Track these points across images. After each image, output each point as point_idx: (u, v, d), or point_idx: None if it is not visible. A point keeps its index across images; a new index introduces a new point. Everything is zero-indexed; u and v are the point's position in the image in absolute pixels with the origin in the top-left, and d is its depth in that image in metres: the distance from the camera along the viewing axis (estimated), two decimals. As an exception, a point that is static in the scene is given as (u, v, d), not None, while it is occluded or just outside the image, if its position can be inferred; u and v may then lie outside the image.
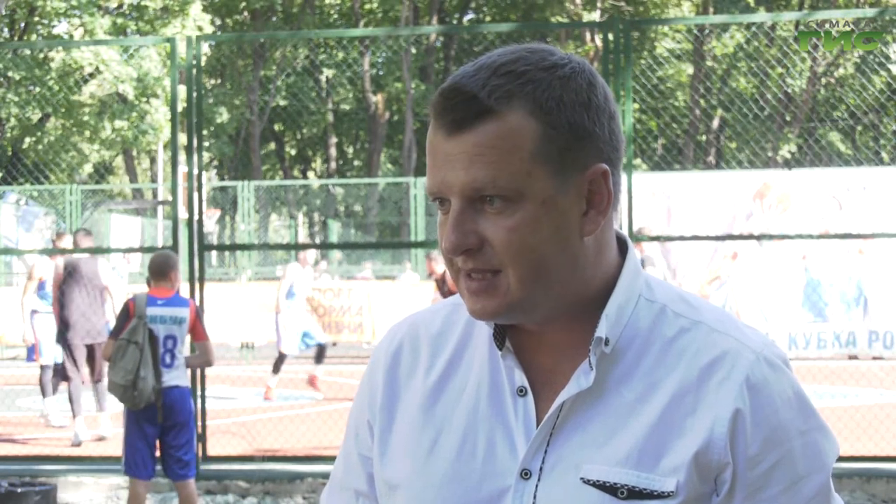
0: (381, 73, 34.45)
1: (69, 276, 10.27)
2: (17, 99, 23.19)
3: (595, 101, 1.31)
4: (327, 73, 33.71)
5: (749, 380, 1.29)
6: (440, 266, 13.52)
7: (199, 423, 8.09)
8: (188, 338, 6.93)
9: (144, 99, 23.93)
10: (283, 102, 34.35)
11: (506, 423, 1.35)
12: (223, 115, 29.35)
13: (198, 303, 8.02)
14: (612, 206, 1.33)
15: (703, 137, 31.23)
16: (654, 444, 1.29)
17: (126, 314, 6.55)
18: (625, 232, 8.12)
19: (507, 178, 1.27)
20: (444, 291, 13.49)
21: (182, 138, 8.59)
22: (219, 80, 31.63)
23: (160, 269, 6.66)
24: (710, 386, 1.30)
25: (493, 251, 1.28)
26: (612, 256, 1.36)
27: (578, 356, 1.33)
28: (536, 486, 1.31)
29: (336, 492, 1.52)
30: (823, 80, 29.63)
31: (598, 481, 1.29)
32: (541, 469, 1.31)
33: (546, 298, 1.31)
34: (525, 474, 1.32)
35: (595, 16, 30.18)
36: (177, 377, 6.54)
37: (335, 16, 35.13)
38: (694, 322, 1.34)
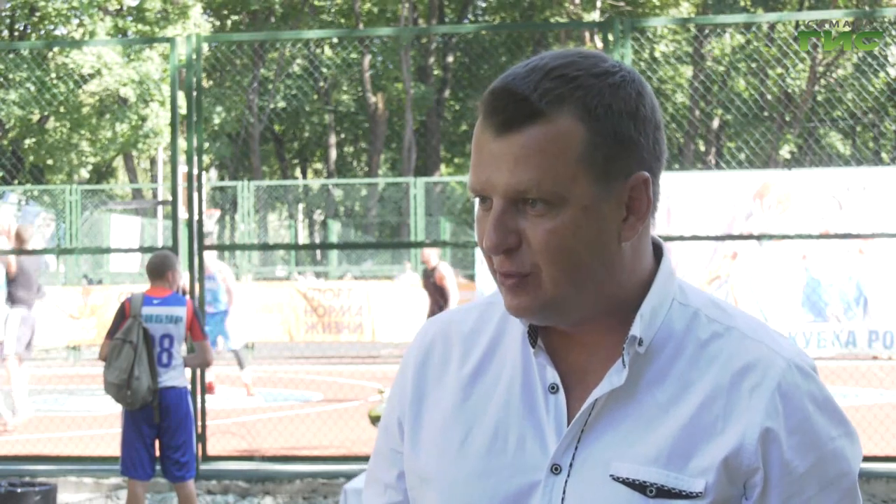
0: (379, 72, 34.43)
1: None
2: (17, 99, 23.19)
3: (643, 111, 1.32)
4: (326, 72, 33.71)
5: (781, 387, 1.31)
6: (434, 259, 13.67)
7: (199, 423, 8.09)
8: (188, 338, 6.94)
9: (143, 104, 23.92)
10: (282, 104, 34.35)
11: (537, 420, 1.36)
12: (222, 116, 29.35)
13: (197, 303, 8.02)
14: (651, 213, 1.35)
15: (702, 143, 31.23)
16: (684, 445, 1.31)
17: (122, 314, 6.54)
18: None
19: (551, 183, 1.28)
20: (430, 284, 13.50)
21: (182, 139, 8.59)
22: (218, 81, 31.63)
23: (157, 269, 6.66)
24: (741, 391, 1.32)
25: (531, 251, 1.30)
26: (648, 261, 1.38)
27: (611, 356, 1.35)
28: (566, 481, 1.33)
29: (370, 484, 1.56)
30: (823, 81, 29.63)
31: (627, 479, 1.31)
32: (571, 465, 1.33)
33: (580, 299, 1.32)
34: (555, 469, 1.34)
35: (594, 16, 30.17)
36: (174, 377, 6.53)
37: (335, 15, 35.10)
38: (727, 327, 1.36)
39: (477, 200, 1.35)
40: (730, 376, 1.32)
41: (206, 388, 12.92)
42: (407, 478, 1.46)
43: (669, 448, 1.31)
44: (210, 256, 12.92)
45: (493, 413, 1.39)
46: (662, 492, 1.29)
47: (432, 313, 13.48)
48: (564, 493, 1.33)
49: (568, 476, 1.33)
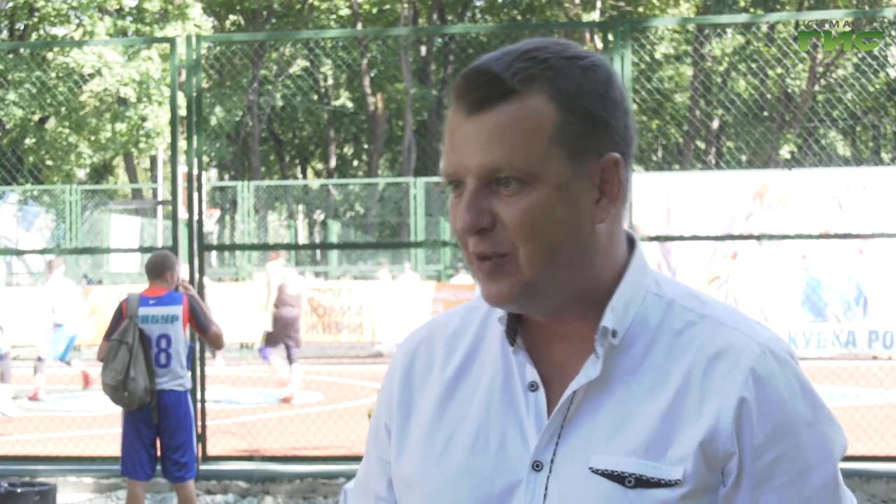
0: (377, 73, 34.41)
1: None
2: (17, 100, 23.20)
3: (613, 93, 1.34)
4: (326, 72, 33.68)
5: (755, 371, 1.31)
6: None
7: (199, 423, 8.08)
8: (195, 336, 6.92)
9: (143, 105, 23.93)
10: (281, 104, 34.33)
11: (518, 417, 1.36)
12: (221, 116, 29.36)
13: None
14: (623, 197, 1.35)
15: (702, 143, 31.23)
16: (661, 434, 1.31)
17: (119, 315, 6.53)
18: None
19: (524, 160, 1.29)
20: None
21: (182, 139, 8.59)
22: (217, 81, 31.66)
23: (156, 269, 6.64)
24: (715, 377, 1.31)
25: (506, 232, 1.30)
26: (622, 251, 1.39)
27: (588, 350, 1.35)
28: (548, 477, 1.33)
29: (359, 493, 1.55)
30: (823, 81, 29.62)
31: (606, 471, 1.30)
32: (552, 461, 1.33)
33: (557, 283, 1.32)
34: (537, 466, 1.33)
35: (594, 16, 30.18)
36: (173, 377, 6.51)
37: (335, 17, 35.09)
38: (701, 316, 1.36)
39: (450, 189, 1.34)
40: (704, 363, 1.32)
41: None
42: (394, 484, 1.46)
43: (648, 438, 1.30)
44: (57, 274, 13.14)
45: (475, 414, 1.39)
46: (641, 482, 1.29)
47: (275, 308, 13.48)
48: (546, 489, 1.32)
49: (549, 472, 1.33)
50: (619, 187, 1.34)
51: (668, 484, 1.29)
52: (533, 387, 1.36)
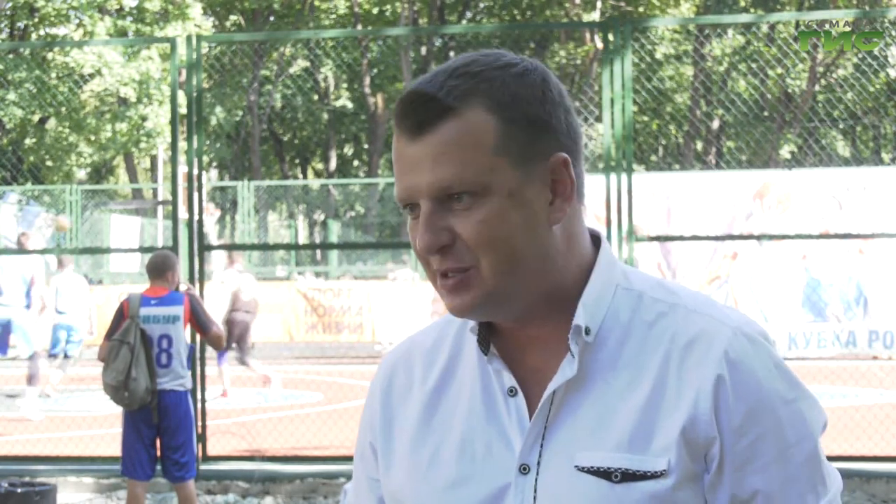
0: (377, 73, 34.41)
1: None
2: (17, 100, 23.21)
3: (549, 95, 1.35)
4: (326, 72, 33.65)
5: (728, 354, 1.32)
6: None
7: (199, 423, 8.09)
8: (195, 336, 6.92)
9: (143, 104, 23.93)
10: (281, 104, 34.30)
11: (500, 424, 1.38)
12: (221, 116, 29.37)
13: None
14: (577, 194, 1.37)
15: (702, 143, 31.23)
16: (643, 427, 1.32)
17: (120, 314, 6.52)
18: (624, 232, 8.15)
19: (472, 174, 1.31)
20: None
21: (182, 139, 8.59)
22: (217, 81, 31.65)
23: (157, 268, 6.64)
24: (690, 364, 1.33)
25: (465, 246, 1.32)
26: (586, 249, 1.40)
27: (564, 350, 1.36)
28: (536, 479, 1.34)
29: None
30: (823, 81, 29.62)
31: (591, 468, 1.32)
32: (538, 462, 1.34)
33: (521, 289, 1.34)
34: (524, 469, 1.34)
35: (595, 16, 30.16)
36: (174, 377, 6.51)
37: (334, 17, 35.09)
38: (671, 305, 1.38)
39: (408, 212, 1.36)
40: (678, 352, 1.34)
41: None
42: (386, 501, 1.48)
43: (630, 432, 1.31)
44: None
45: (458, 425, 1.40)
46: (627, 475, 1.30)
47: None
48: (536, 491, 1.33)
49: (537, 474, 1.34)
50: (571, 186, 1.35)
51: (654, 475, 1.30)
52: (512, 392, 1.38)
